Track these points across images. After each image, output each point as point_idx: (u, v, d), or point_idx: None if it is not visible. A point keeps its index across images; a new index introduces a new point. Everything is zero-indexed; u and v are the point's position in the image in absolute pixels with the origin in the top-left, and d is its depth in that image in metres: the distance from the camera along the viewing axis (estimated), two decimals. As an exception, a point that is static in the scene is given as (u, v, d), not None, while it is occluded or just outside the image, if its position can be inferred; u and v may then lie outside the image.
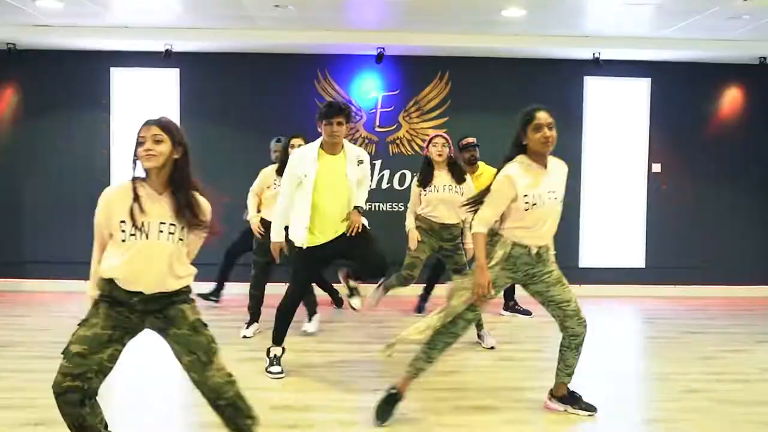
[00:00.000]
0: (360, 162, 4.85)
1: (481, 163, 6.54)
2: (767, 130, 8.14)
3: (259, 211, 6.08)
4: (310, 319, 6.02)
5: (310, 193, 4.58)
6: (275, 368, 4.77)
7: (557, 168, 4.04)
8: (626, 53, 7.77)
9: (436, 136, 5.73)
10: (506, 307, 7.03)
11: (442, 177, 5.61)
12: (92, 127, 7.87)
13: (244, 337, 5.81)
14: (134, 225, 2.79)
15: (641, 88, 8.16)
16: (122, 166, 7.72)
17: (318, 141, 4.72)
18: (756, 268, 8.21)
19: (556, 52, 7.73)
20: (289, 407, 4.12)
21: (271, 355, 4.83)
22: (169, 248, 2.84)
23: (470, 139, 6.55)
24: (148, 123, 2.90)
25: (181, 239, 2.88)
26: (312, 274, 5.14)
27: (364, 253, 4.76)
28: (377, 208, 7.81)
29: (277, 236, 4.80)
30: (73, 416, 2.90)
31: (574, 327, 4.07)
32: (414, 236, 5.68)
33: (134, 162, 2.89)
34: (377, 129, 8.02)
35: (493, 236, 3.93)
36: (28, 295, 7.59)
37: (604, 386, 4.68)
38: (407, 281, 5.75)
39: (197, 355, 2.93)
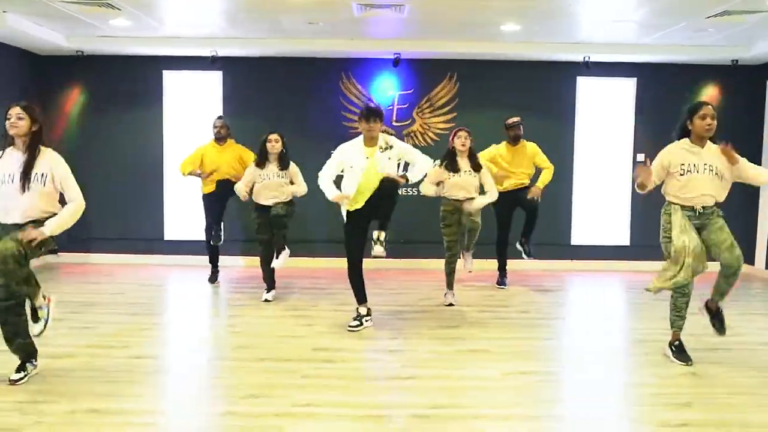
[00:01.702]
0: (388, 147, 5.65)
1: (522, 140, 7.36)
2: (740, 123, 8.81)
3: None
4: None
5: (359, 176, 5.53)
6: (353, 322, 5.70)
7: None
8: (613, 57, 8.55)
9: (460, 129, 6.46)
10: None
11: (463, 165, 6.43)
12: (147, 122, 8.83)
13: (266, 300, 6.63)
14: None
15: (628, 86, 8.96)
16: (173, 155, 8.68)
17: (360, 137, 5.68)
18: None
19: (550, 56, 8.52)
20: (326, 348, 5.16)
21: (356, 312, 5.80)
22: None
23: (515, 119, 7.27)
24: (13, 104, 4.13)
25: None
26: (355, 237, 5.73)
27: (382, 204, 5.59)
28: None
29: (332, 194, 5.63)
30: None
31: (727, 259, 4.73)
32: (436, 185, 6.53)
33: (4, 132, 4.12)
34: (394, 123, 8.89)
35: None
36: (95, 267, 8.70)
37: (582, 339, 5.77)
38: (453, 259, 6.62)
39: None
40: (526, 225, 7.58)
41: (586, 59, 8.55)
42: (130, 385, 4.34)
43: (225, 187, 7.30)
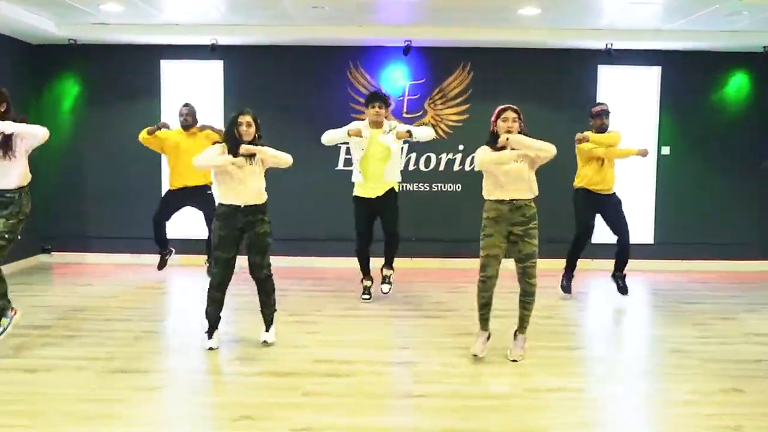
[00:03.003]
0: (391, 129, 6.21)
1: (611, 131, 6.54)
2: (771, 113, 8.51)
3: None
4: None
5: (363, 146, 6.19)
6: (364, 295, 6.60)
7: None
8: (637, 44, 8.08)
9: (507, 109, 4.76)
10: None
11: (511, 153, 4.69)
12: (144, 114, 8.32)
13: (210, 348, 4.97)
14: None
15: (652, 75, 8.48)
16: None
17: (367, 120, 6.29)
18: (755, 245, 8.56)
19: (571, 43, 8.05)
20: (330, 360, 4.74)
21: (363, 285, 6.63)
22: None
23: (603, 107, 6.53)
24: None
25: None
26: (363, 223, 6.42)
27: (386, 217, 6.37)
28: (404, 188, 8.16)
29: (344, 130, 6.22)
30: None
31: None
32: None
33: None
34: (404, 115, 8.43)
35: None
36: (90, 267, 8.30)
37: (611, 349, 5.31)
38: (490, 283, 4.77)
39: None
40: (619, 252, 6.83)
41: (609, 46, 8.08)
42: (111, 404, 3.91)
43: (187, 194, 7.21)
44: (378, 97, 6.22)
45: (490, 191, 4.79)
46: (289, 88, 8.39)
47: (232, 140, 4.87)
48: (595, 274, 8.18)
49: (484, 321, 4.85)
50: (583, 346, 5.28)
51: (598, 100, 8.38)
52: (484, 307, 4.81)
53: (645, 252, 8.55)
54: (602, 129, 6.53)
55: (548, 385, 4.32)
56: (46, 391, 4.10)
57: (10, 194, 4.71)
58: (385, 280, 6.62)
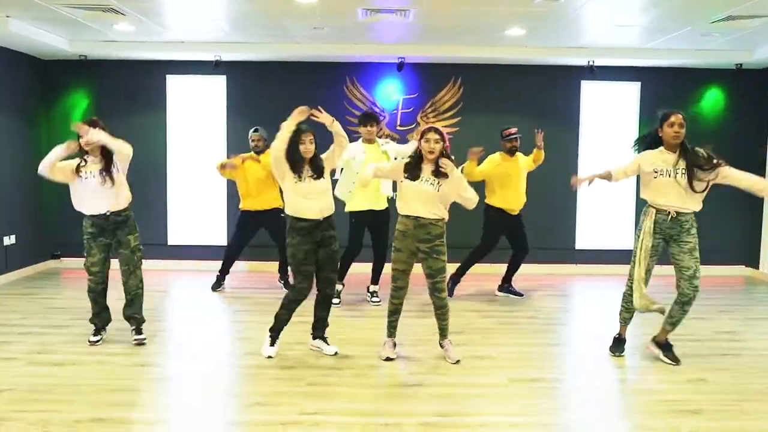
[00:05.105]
0: (386, 143, 6.87)
1: (518, 154, 6.96)
2: (744, 126, 8.83)
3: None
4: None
5: (359, 168, 6.30)
6: (335, 299, 5.87)
7: None
8: (618, 61, 8.48)
9: (429, 129, 4.84)
10: (500, 288, 7.39)
11: (426, 171, 4.84)
12: (150, 126, 8.77)
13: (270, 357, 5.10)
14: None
15: (632, 90, 8.89)
16: (176, 159, 8.82)
17: (360, 140, 6.68)
18: (732, 251, 8.94)
19: (554, 60, 8.45)
20: (342, 339, 5.19)
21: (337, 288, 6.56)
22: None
23: (512, 130, 6.89)
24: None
25: None
26: (359, 236, 6.74)
27: (376, 241, 6.82)
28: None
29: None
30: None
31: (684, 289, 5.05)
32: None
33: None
34: (398, 128, 8.81)
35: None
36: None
37: (589, 345, 5.69)
38: (398, 294, 5.03)
39: (128, 266, 5.38)
40: (511, 265, 7.31)
41: (591, 63, 8.48)
42: (135, 393, 4.32)
43: (262, 217, 7.23)
44: (370, 117, 6.68)
45: (401, 207, 4.94)
46: (288, 102, 8.49)
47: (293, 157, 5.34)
48: (577, 277, 8.60)
49: (391, 328, 5.12)
50: (562, 343, 5.65)
51: (581, 115, 8.88)
52: (393, 314, 5.07)
53: (625, 257, 8.66)
54: (512, 150, 6.90)
55: (528, 376, 4.74)
56: (73, 382, 4.49)
57: (125, 213, 5.54)
58: (374, 295, 6.97)
